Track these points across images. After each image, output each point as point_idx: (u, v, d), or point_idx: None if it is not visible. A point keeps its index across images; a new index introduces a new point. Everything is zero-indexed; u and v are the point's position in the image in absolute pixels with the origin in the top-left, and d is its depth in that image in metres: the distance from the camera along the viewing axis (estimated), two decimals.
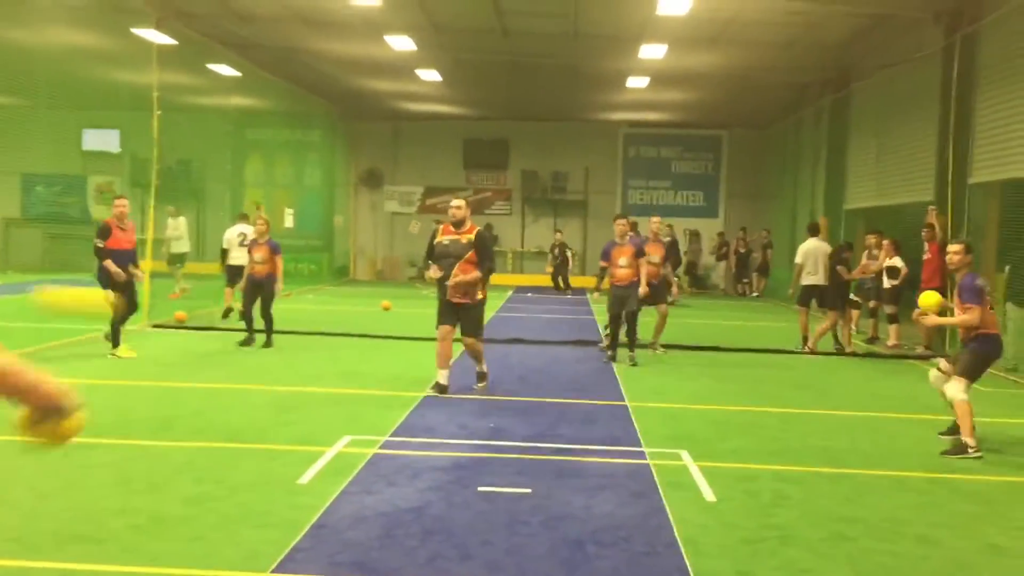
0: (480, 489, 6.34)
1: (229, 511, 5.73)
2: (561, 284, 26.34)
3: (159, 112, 15.34)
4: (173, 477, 6.48)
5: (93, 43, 19.84)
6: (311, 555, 5.01)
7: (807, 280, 14.21)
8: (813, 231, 14.90)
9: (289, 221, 26.72)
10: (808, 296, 14.29)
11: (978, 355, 8.01)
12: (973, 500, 6.55)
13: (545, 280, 27.91)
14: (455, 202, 9.99)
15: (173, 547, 5.08)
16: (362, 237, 30.97)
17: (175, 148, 24.29)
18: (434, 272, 9.73)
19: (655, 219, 14.44)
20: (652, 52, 19.04)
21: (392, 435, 7.93)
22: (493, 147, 30.44)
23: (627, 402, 9.77)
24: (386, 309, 19.23)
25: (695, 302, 24.26)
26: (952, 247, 8.35)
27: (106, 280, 11.50)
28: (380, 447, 7.49)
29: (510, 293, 25.21)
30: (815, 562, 5.16)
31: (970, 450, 7.72)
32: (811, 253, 14.27)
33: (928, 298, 8.52)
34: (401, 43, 19.11)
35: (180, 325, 15.03)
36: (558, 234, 27.27)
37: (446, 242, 9.75)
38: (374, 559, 4.98)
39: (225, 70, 21.60)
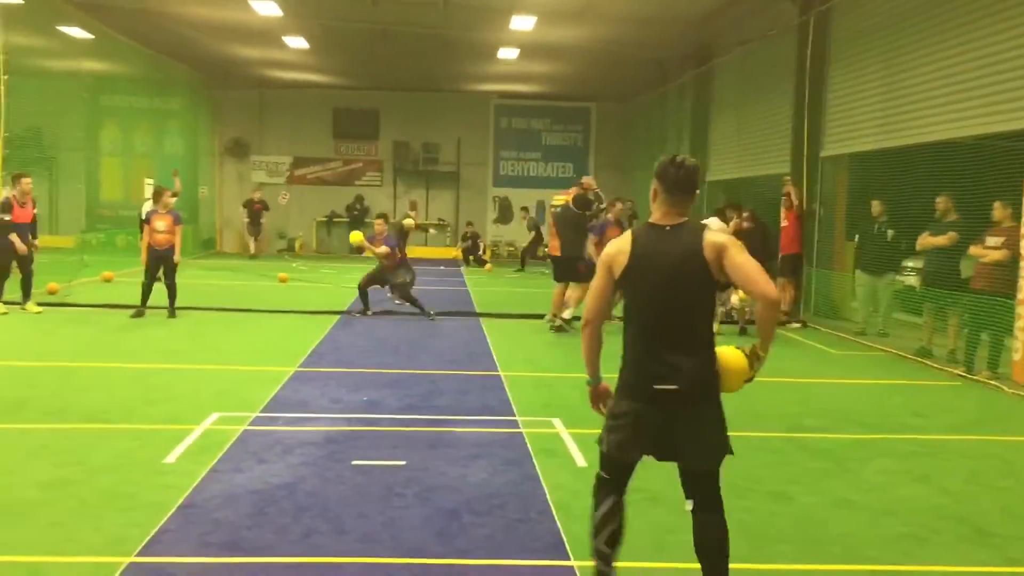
0: (354, 463, 6.32)
1: (90, 495, 5.53)
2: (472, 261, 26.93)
3: (6, 76, 14.45)
4: (28, 461, 6.19)
5: None
6: (178, 536, 4.90)
7: None
8: (720, 214, 14.84)
9: (149, 192, 25.69)
10: None
11: None
12: (824, 457, 6.95)
13: (418, 252, 28.01)
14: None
15: (30, 534, 4.87)
16: (228, 209, 30.05)
17: (24, 114, 22.91)
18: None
19: (618, 205, 14.53)
20: (522, 24, 19.10)
21: (262, 411, 7.79)
22: (363, 117, 29.98)
23: (500, 372, 9.89)
24: (283, 281, 18.91)
25: None
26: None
27: (10, 251, 13.02)
28: (250, 423, 7.35)
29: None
30: (679, 520, 5.38)
31: None
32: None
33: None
34: (266, 8, 18.54)
35: (54, 302, 14.24)
36: (469, 225, 27.93)
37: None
38: (245, 538, 4.91)
39: (77, 32, 20.47)
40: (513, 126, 30.58)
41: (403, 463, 6.34)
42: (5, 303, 12.99)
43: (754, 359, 3.83)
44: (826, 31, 15.35)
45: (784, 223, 15.04)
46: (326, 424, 7.40)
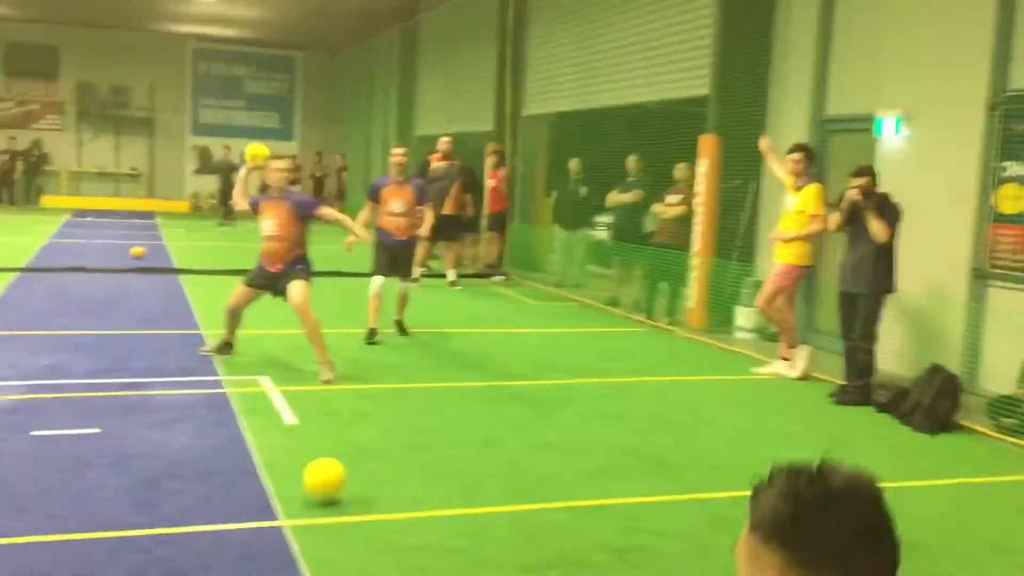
0: (34, 433, 5.77)
1: None
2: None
3: None
4: None
5: None
6: None
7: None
8: None
9: None
10: None
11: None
12: (526, 403, 7.31)
13: (110, 203, 25.93)
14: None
15: None
16: None
17: None
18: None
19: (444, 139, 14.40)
20: None
21: None
22: (39, 53, 27.07)
23: (202, 331, 9.43)
24: None
25: None
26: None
27: None
28: None
29: (66, 217, 22.84)
30: (392, 472, 5.45)
31: None
32: None
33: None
34: None
35: None
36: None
37: None
38: None
39: None
40: (213, 72, 28.99)
41: (95, 431, 5.89)
42: None
43: None
44: None
45: (491, 182, 15.49)
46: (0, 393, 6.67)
